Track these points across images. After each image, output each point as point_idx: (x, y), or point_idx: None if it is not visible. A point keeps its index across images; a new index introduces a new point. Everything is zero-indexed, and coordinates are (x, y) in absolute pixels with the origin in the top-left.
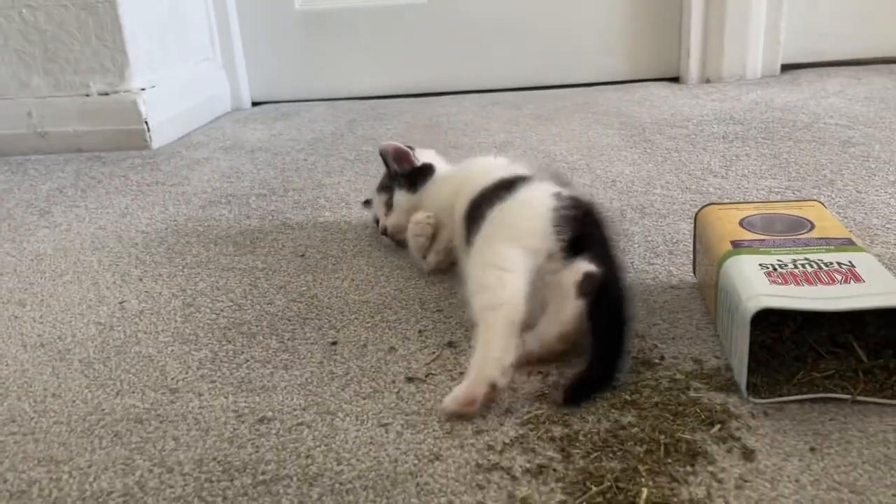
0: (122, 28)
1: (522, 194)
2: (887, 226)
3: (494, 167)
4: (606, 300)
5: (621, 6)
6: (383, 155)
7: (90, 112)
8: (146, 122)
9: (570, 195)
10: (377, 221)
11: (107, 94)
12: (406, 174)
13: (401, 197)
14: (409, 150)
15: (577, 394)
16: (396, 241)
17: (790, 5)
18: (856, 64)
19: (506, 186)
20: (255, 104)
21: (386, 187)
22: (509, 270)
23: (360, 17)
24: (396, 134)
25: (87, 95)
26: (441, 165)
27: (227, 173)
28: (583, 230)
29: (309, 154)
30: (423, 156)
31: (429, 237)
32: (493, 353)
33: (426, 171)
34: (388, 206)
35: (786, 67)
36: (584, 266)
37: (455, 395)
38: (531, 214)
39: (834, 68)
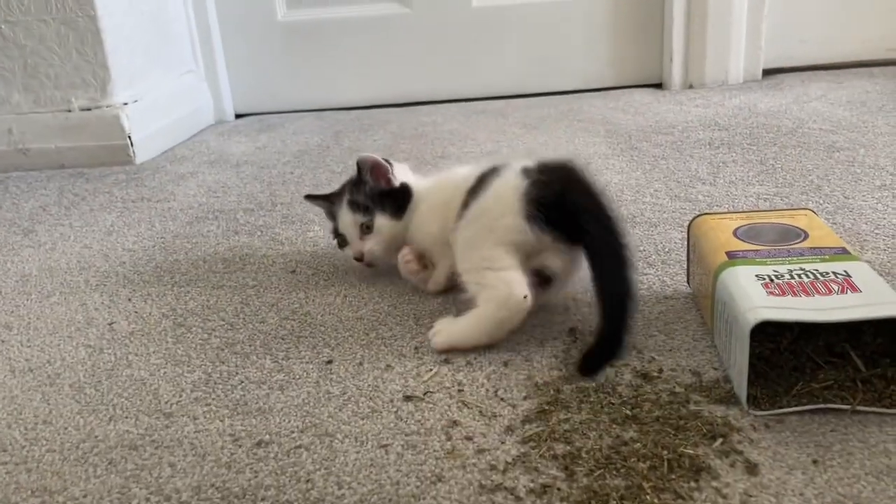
0: (103, 42)
1: (492, 188)
2: (876, 231)
3: (467, 177)
4: (610, 271)
5: (604, 13)
6: (361, 166)
7: (72, 128)
8: (129, 137)
9: (540, 164)
10: (339, 238)
11: (89, 109)
12: (384, 194)
13: (384, 222)
14: (388, 166)
15: (591, 365)
16: (369, 265)
17: (770, 10)
18: (836, 68)
19: (480, 183)
20: (238, 116)
21: (362, 207)
22: (504, 269)
23: (343, 28)
24: (383, 145)
25: (69, 111)
26: (417, 183)
27: (213, 188)
28: (562, 196)
29: (295, 167)
30: (400, 173)
31: (420, 271)
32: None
33: (406, 194)
34: (365, 228)
35: (767, 72)
36: None
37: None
38: (503, 211)
39: (815, 72)
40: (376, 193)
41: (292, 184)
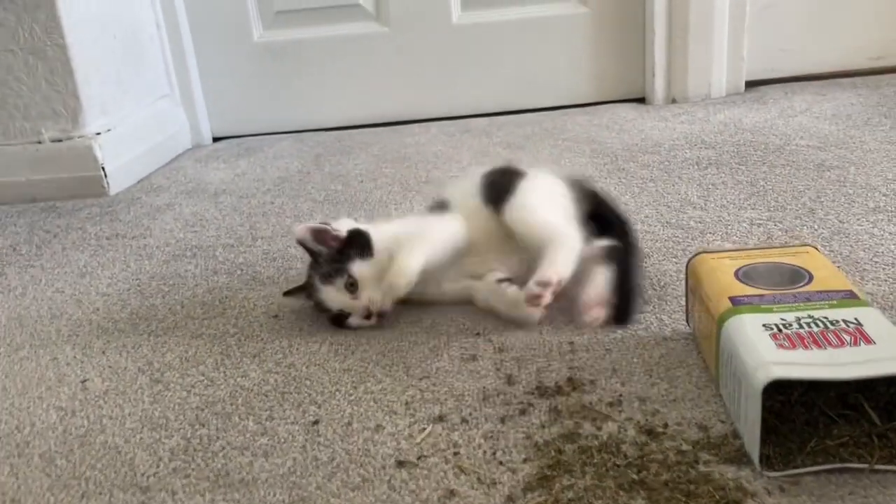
0: (73, 71)
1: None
2: (874, 259)
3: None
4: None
5: (585, 28)
6: (302, 242)
7: (43, 160)
8: (103, 168)
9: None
10: (341, 317)
11: (60, 140)
12: (341, 249)
13: (361, 269)
14: (325, 226)
15: (619, 317)
16: (381, 316)
17: (751, 21)
18: (818, 78)
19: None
20: (216, 139)
21: (333, 273)
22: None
23: (322, 48)
24: (365, 170)
25: (40, 143)
26: (371, 226)
27: (190, 221)
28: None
29: (276, 196)
30: (342, 224)
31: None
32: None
33: (359, 235)
34: (350, 286)
35: (750, 84)
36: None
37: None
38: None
39: (797, 84)
40: (335, 253)
41: (273, 215)
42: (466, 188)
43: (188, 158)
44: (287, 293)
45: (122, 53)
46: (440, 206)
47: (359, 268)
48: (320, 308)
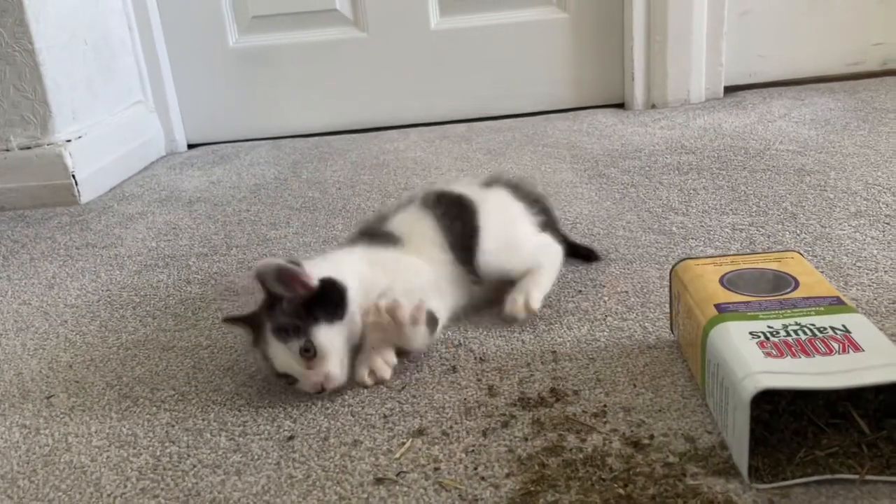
0: (42, 77)
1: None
2: (858, 264)
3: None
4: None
5: (564, 34)
6: (262, 280)
7: (11, 168)
8: (73, 176)
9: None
10: (284, 378)
11: (29, 147)
12: (309, 301)
13: (330, 335)
14: (296, 267)
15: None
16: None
17: (729, 27)
18: (795, 84)
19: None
20: (191, 146)
21: (289, 330)
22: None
23: (298, 53)
24: (344, 177)
25: (7, 150)
26: (339, 266)
27: (163, 230)
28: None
29: (251, 203)
30: (315, 268)
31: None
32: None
33: (334, 288)
34: (306, 352)
35: (728, 89)
36: None
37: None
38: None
39: (775, 89)
40: (298, 304)
41: (248, 223)
42: (420, 229)
43: (162, 166)
44: (227, 320)
45: (93, 59)
46: (386, 238)
47: (324, 335)
48: (262, 357)
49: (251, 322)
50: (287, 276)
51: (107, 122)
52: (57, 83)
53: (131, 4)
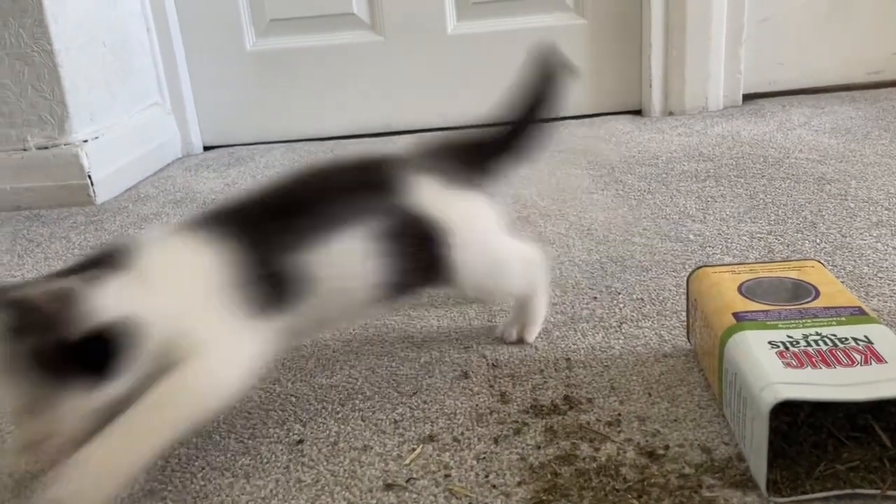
0: (60, 78)
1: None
2: (879, 275)
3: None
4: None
5: (582, 40)
6: (20, 307)
7: (28, 168)
8: (89, 177)
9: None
10: None
11: (46, 147)
12: (82, 347)
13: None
14: (71, 291)
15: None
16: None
17: (748, 34)
18: (815, 92)
19: None
20: (206, 148)
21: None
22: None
23: (315, 57)
24: None
25: (25, 150)
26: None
27: None
28: None
29: None
30: (105, 298)
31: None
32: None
33: (124, 331)
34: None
35: (747, 97)
36: None
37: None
38: None
39: (795, 97)
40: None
41: None
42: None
43: (178, 167)
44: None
45: (111, 60)
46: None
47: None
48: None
49: None
50: (57, 304)
51: (124, 123)
52: (75, 84)
53: (150, 7)
